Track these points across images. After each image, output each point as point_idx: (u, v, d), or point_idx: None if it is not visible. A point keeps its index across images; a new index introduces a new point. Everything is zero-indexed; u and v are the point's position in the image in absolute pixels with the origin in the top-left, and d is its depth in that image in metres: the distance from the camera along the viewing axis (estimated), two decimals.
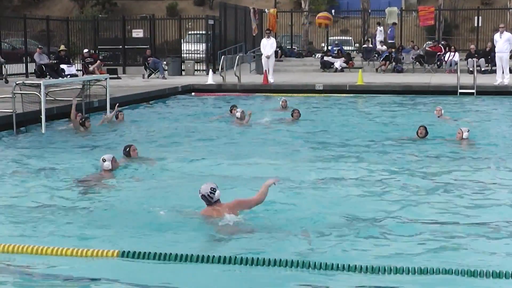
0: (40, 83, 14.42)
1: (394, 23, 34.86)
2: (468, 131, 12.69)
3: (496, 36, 23.41)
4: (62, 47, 27.67)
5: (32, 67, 27.73)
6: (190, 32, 34.81)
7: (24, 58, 28.84)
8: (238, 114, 15.51)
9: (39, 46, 28.93)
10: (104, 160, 9.62)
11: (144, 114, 18.38)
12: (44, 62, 26.49)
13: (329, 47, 35.27)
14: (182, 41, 32.23)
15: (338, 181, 9.56)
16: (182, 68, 30.32)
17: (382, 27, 35.00)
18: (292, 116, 16.17)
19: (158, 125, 15.88)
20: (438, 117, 16.21)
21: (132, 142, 12.41)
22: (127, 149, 10.76)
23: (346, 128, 15.43)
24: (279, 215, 7.54)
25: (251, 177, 9.60)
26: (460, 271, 5.48)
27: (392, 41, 34.48)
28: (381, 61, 31.28)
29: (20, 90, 14.53)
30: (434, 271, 5.52)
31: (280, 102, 18.51)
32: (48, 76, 24.92)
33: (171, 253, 5.86)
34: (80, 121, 14.37)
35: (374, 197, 8.58)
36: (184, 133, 14.66)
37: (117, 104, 16.40)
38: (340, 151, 12.19)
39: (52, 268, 5.95)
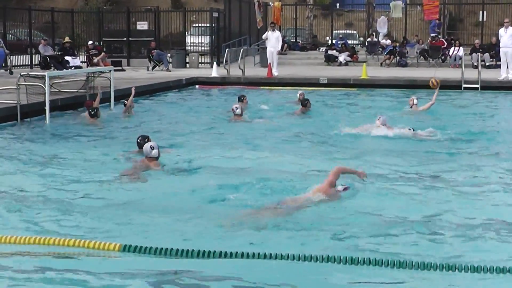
0: (45, 75, 14.46)
1: (438, 19, 34.69)
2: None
3: (501, 31, 23.33)
4: (67, 38, 27.71)
5: (36, 59, 27.76)
6: (194, 25, 34.82)
7: (28, 50, 28.91)
8: (238, 111, 14.94)
9: (44, 37, 28.96)
10: (152, 148, 9.35)
11: (149, 106, 18.40)
12: (48, 54, 26.50)
13: (334, 41, 35.25)
14: (186, 34, 32.25)
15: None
16: (187, 61, 30.34)
17: (386, 18, 34.89)
18: (306, 106, 16.24)
19: (165, 117, 15.86)
20: (411, 107, 16.31)
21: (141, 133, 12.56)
22: (146, 140, 10.26)
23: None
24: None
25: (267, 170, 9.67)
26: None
27: (435, 34, 34.20)
28: (385, 55, 31.28)
29: (25, 82, 14.58)
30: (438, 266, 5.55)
31: (298, 95, 18.56)
32: (52, 68, 24.95)
33: (172, 248, 5.85)
34: (91, 112, 14.39)
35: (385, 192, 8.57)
36: (191, 125, 14.60)
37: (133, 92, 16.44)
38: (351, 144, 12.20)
39: (54, 259, 5.98)
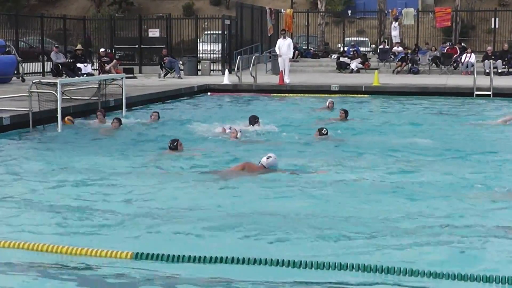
0: (57, 82, 14.48)
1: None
2: None
3: None
4: (79, 46, 27.78)
5: (48, 66, 27.86)
6: (206, 32, 34.88)
7: (40, 57, 29.04)
8: (227, 132, 13.52)
9: (56, 45, 29.11)
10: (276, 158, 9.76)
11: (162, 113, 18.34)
12: (60, 61, 26.60)
13: (345, 48, 35.21)
14: (198, 41, 32.30)
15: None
16: (198, 68, 30.37)
17: (397, 23, 34.79)
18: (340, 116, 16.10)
19: (182, 125, 15.78)
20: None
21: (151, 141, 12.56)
22: (175, 143, 11.21)
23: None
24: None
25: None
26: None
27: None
28: (397, 62, 31.20)
29: (37, 89, 14.59)
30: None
31: (327, 103, 18.47)
32: (64, 75, 25.03)
33: (184, 255, 5.84)
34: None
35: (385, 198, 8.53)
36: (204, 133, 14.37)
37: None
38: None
39: (66, 267, 5.96)
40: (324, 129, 13.16)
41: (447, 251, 6.45)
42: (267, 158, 9.66)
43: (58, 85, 14.21)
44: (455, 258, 6.27)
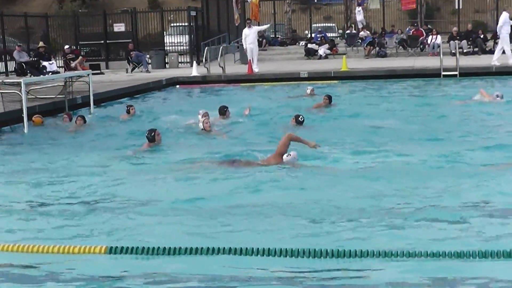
0: (21, 82, 14.19)
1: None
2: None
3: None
4: (41, 43, 27.24)
5: (12, 66, 27.35)
6: (172, 24, 34.62)
7: (2, 57, 28.45)
8: (200, 125, 12.57)
9: (18, 43, 28.57)
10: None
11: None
12: (24, 60, 26.14)
13: (313, 35, 35.22)
14: (164, 34, 32.08)
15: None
16: (166, 61, 30.16)
17: (361, 7, 34.84)
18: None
19: (153, 119, 15.60)
20: None
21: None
22: (152, 134, 10.96)
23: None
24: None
25: None
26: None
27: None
28: (365, 46, 31.28)
29: (0, 89, 14.30)
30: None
31: (308, 91, 18.39)
32: (29, 74, 24.65)
33: (159, 247, 5.76)
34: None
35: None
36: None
37: None
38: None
39: (38, 266, 5.86)
40: (301, 117, 12.93)
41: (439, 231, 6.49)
42: (287, 156, 9.42)
43: (22, 84, 13.93)
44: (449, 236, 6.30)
